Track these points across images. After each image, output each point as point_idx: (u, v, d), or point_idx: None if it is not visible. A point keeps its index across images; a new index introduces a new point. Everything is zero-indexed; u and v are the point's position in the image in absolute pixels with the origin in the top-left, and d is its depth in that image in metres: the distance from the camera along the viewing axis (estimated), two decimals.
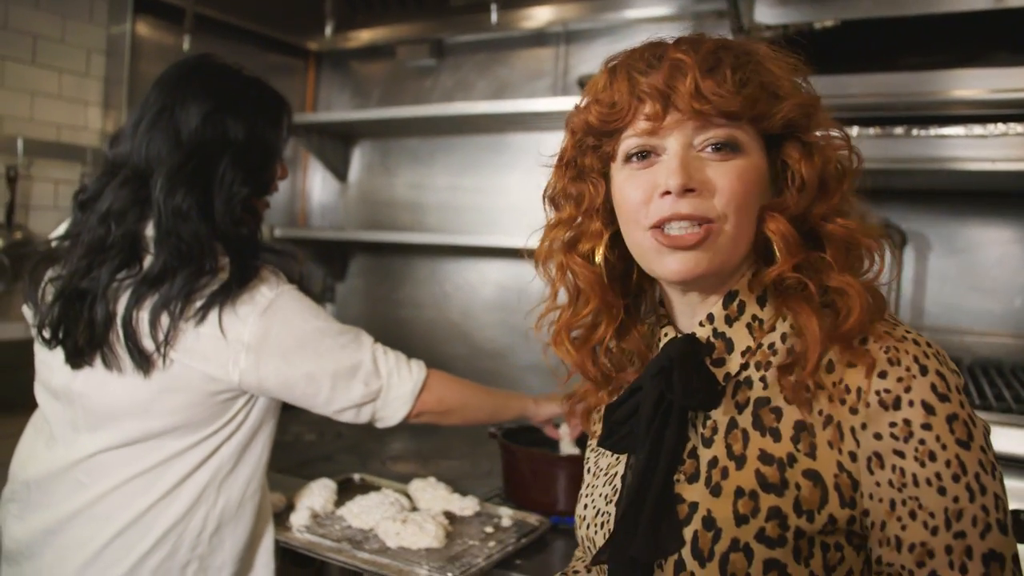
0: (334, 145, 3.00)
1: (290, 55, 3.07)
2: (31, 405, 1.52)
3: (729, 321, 0.91)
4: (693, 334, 0.92)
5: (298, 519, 1.63)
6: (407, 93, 2.93)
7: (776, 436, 0.85)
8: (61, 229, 1.50)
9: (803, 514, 0.81)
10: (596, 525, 0.98)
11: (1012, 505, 1.35)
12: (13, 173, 2.27)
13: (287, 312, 1.41)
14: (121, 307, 1.34)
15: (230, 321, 1.36)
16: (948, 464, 0.78)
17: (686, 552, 0.84)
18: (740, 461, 0.85)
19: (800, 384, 0.84)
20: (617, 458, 1.00)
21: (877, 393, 0.81)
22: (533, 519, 1.68)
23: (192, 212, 1.36)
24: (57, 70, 2.39)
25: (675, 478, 0.88)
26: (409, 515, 1.59)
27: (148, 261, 1.36)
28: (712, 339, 0.91)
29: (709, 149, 0.85)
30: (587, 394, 1.05)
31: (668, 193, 0.84)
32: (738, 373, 0.90)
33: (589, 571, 1.12)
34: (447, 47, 2.85)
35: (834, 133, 0.91)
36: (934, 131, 1.62)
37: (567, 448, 1.80)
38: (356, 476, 1.91)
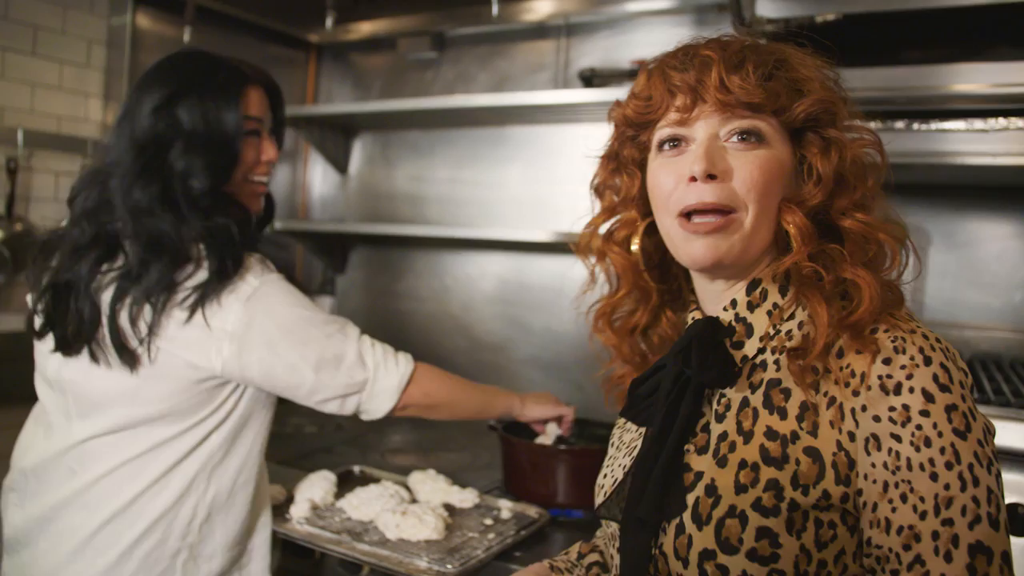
0: (335, 137, 2.99)
1: (291, 47, 3.07)
2: (32, 397, 1.52)
3: (751, 307, 0.96)
4: (716, 317, 0.98)
5: (298, 511, 1.63)
6: (408, 85, 2.93)
7: (783, 414, 0.89)
8: (65, 221, 1.51)
9: (799, 487, 0.84)
10: (613, 494, 1.03)
11: (1011, 499, 1.36)
12: (13, 165, 2.27)
13: (271, 301, 1.40)
14: (106, 303, 1.36)
15: (213, 310, 1.35)
16: (942, 451, 0.80)
17: (687, 516, 0.89)
18: (748, 436, 0.90)
19: (806, 367, 0.88)
20: (639, 432, 1.05)
21: (879, 378, 0.84)
22: (532, 511, 1.68)
23: (154, 207, 1.36)
24: (58, 61, 2.39)
25: (686, 448, 0.94)
26: (409, 507, 1.60)
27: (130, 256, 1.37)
28: (734, 323, 0.97)
29: (735, 139, 0.91)
30: (624, 377, 1.12)
31: (694, 180, 0.90)
32: (755, 356, 0.95)
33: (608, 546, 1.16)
34: (448, 40, 2.85)
35: (863, 130, 0.95)
36: (935, 125, 1.62)
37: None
38: (356, 468, 1.91)
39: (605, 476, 1.08)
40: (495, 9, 2.57)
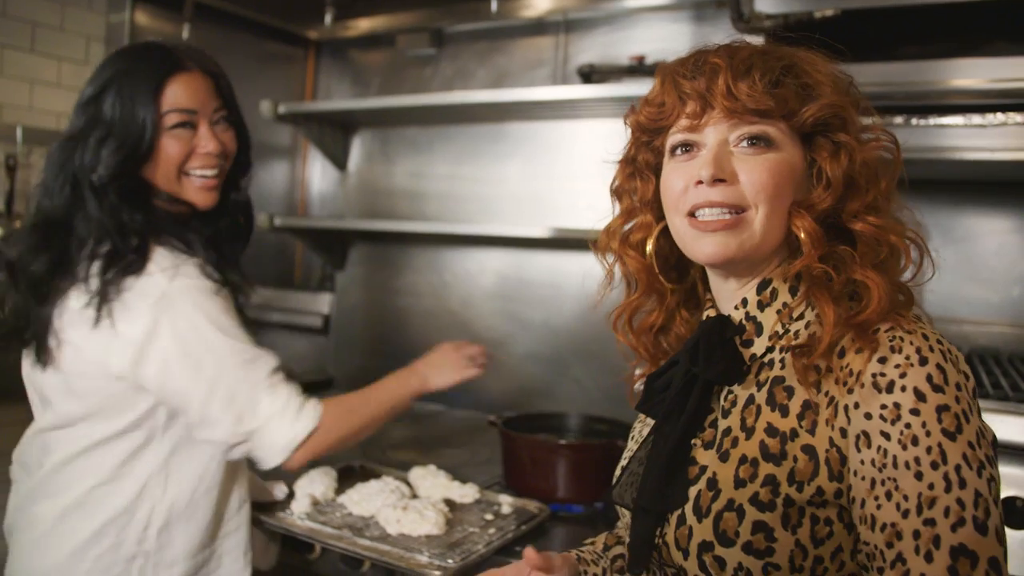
0: (334, 134, 2.99)
1: (290, 44, 3.07)
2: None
3: (761, 306, 0.98)
4: (725, 315, 1.01)
5: (299, 506, 1.64)
6: (407, 82, 2.93)
7: (784, 412, 0.91)
8: None
9: (794, 484, 0.86)
10: (626, 485, 1.06)
11: (1009, 492, 1.37)
12: (12, 162, 2.27)
13: (176, 313, 1.36)
14: (30, 299, 1.38)
15: (119, 311, 1.34)
16: (929, 451, 0.80)
17: (688, 508, 0.92)
18: (749, 432, 0.92)
19: (808, 367, 0.89)
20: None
21: (873, 375, 0.85)
22: (533, 506, 1.69)
23: (69, 205, 1.38)
24: (56, 58, 2.39)
25: (694, 443, 0.97)
26: (409, 502, 1.60)
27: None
28: (744, 321, 0.99)
29: (744, 144, 0.93)
30: (645, 375, 1.14)
31: (701, 183, 0.93)
32: (763, 355, 0.97)
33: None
34: (447, 36, 2.84)
35: (875, 133, 0.96)
36: (933, 120, 1.62)
37: None
38: (357, 464, 1.92)
39: (622, 468, 1.10)
40: (494, 5, 2.58)
